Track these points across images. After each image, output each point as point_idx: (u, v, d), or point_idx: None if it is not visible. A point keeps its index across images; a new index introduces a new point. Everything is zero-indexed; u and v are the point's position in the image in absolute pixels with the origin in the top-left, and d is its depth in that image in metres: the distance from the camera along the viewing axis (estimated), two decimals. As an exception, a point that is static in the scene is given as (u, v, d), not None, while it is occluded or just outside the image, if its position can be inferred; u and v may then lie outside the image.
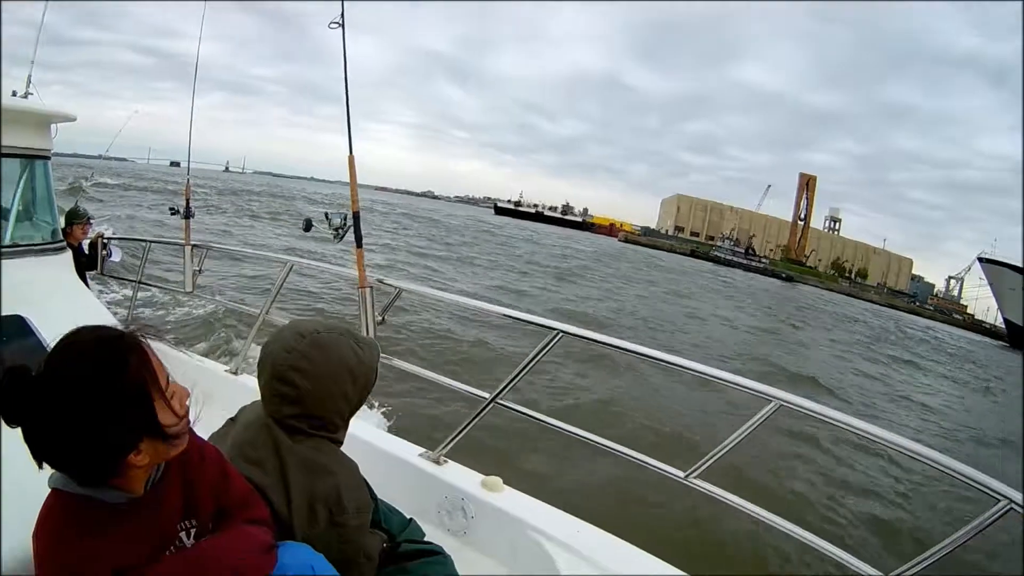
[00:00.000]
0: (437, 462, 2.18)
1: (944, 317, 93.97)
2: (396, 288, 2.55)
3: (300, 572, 0.95)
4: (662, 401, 7.16)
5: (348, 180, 2.46)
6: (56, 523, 0.76)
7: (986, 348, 46.43)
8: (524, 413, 2.12)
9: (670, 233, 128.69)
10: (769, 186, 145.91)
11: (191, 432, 0.87)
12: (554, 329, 1.98)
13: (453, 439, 2.18)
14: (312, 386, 1.06)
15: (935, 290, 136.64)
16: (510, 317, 2.26)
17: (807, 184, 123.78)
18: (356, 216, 2.49)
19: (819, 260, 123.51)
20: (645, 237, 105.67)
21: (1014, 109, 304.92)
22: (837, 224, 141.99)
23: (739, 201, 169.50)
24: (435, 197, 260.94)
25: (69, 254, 3.11)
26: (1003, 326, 71.03)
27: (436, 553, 1.39)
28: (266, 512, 1.01)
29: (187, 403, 0.82)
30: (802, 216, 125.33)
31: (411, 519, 1.48)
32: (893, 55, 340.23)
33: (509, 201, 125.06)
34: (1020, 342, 66.48)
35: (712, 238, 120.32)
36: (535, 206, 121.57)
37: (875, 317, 41.29)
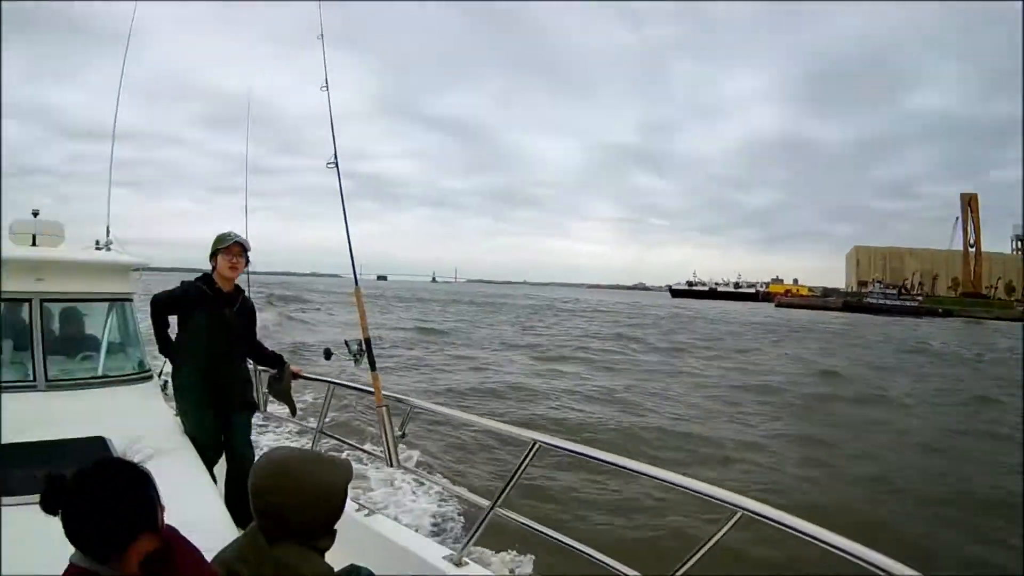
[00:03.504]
0: (458, 564, 2.23)
1: None
2: (408, 406, 2.87)
3: None
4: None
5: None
6: None
7: None
8: (522, 523, 2.15)
9: (853, 289, 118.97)
10: (957, 218, 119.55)
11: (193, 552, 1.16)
12: (529, 440, 2.10)
13: (468, 542, 2.31)
14: (281, 502, 1.27)
15: None
16: (490, 430, 2.41)
17: (969, 204, 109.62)
18: (368, 343, 2.82)
19: (994, 288, 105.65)
20: (802, 298, 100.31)
21: None
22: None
23: (937, 242, 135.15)
24: (646, 288, 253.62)
25: (154, 382, 3.32)
26: None
27: None
28: None
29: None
30: (972, 242, 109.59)
31: None
32: None
33: (685, 283, 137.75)
34: None
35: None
36: (716, 284, 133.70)
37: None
